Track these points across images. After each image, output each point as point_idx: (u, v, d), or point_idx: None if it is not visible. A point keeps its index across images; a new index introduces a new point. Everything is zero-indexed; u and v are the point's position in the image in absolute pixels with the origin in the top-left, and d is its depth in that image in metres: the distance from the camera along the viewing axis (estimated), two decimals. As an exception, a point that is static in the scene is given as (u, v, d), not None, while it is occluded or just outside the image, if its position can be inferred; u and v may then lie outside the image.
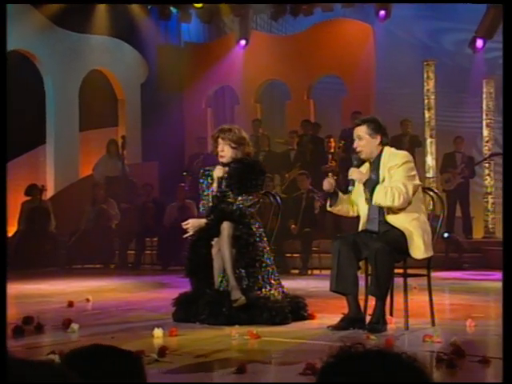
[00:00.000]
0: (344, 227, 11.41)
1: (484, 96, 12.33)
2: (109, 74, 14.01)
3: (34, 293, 7.43)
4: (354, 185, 4.83)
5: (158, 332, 4.59)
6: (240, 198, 5.27)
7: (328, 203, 4.98)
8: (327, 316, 5.36)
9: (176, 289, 7.83)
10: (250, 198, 5.27)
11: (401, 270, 4.83)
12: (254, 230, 5.27)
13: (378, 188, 4.68)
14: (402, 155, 4.84)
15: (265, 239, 5.36)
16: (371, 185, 4.73)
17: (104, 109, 13.81)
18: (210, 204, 5.34)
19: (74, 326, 4.91)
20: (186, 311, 5.18)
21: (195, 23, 14.59)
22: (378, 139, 4.84)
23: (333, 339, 4.44)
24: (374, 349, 1.43)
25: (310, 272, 9.43)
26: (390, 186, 4.66)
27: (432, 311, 4.91)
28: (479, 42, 12.54)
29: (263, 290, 5.18)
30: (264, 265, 5.24)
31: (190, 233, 5.31)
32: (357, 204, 4.95)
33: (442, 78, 12.48)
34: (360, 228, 4.97)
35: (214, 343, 4.40)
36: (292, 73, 13.50)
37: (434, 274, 4.95)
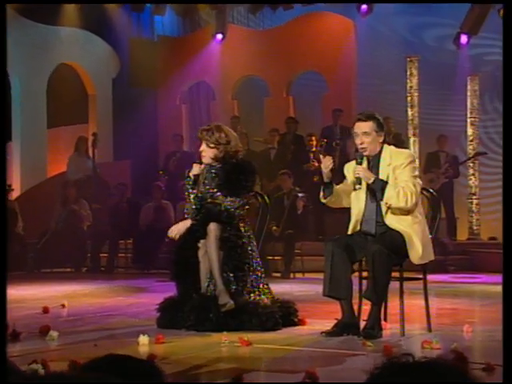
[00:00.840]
0: (327, 228, 11.45)
1: (468, 94, 12.43)
2: (79, 69, 13.88)
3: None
4: (360, 183, 4.80)
5: (143, 339, 4.53)
6: (228, 199, 5.23)
7: (322, 194, 4.93)
8: (318, 321, 5.35)
9: (155, 293, 7.83)
10: (239, 199, 5.24)
11: (396, 274, 4.82)
12: (243, 231, 5.24)
13: (390, 188, 4.67)
14: (407, 154, 4.85)
15: (254, 242, 5.33)
16: (380, 184, 4.71)
17: (74, 105, 13.68)
18: (193, 206, 5.30)
19: (53, 333, 4.83)
20: (172, 317, 5.13)
21: (169, 16, 14.52)
22: (382, 136, 4.84)
23: (327, 346, 4.42)
24: (424, 360, 1.39)
25: (292, 275, 9.41)
26: (402, 186, 4.66)
27: (428, 317, 4.91)
28: (463, 38, 12.63)
29: (252, 294, 5.15)
30: (252, 269, 5.21)
31: (176, 238, 5.27)
32: (349, 202, 4.93)
33: (426, 75, 12.55)
34: (351, 229, 4.93)
35: (203, 350, 4.35)
36: (271, 68, 13.48)
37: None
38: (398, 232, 4.70)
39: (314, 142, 11.42)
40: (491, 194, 13.13)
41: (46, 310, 6.15)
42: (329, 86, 13.35)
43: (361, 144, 4.83)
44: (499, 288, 8.16)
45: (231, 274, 5.10)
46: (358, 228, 4.89)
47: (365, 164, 4.85)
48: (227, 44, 13.84)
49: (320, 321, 5.40)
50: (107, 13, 13.74)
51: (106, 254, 10.84)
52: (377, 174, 4.79)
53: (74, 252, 10.88)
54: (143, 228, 10.68)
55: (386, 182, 4.72)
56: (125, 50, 14.22)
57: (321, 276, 9.47)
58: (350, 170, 4.92)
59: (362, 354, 4.18)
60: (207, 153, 5.30)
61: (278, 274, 9.41)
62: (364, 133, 4.81)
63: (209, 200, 5.27)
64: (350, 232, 4.97)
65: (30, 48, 12.96)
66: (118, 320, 5.67)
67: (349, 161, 12.04)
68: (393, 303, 4.97)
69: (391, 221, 4.73)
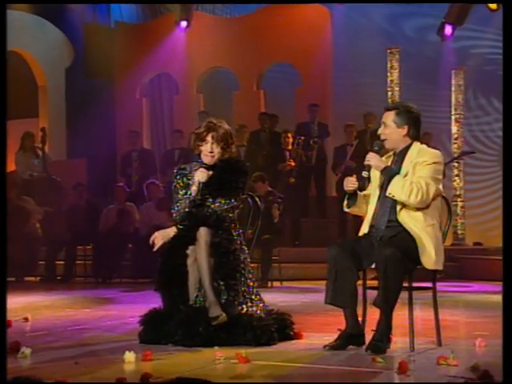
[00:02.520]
0: (303, 233, 11.44)
1: (453, 89, 12.52)
2: (28, 57, 13.66)
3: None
4: (369, 171, 4.78)
5: (129, 356, 4.41)
6: (217, 202, 5.14)
7: (345, 203, 4.91)
8: (314, 334, 5.29)
9: (123, 305, 7.73)
10: (228, 201, 5.15)
11: (405, 283, 4.78)
12: (235, 236, 5.16)
13: (397, 179, 4.65)
14: (433, 154, 4.79)
15: (245, 249, 5.25)
16: (390, 174, 4.69)
17: (22, 97, 13.43)
18: (187, 209, 5.19)
19: (26, 350, 4.67)
20: (157, 331, 5.01)
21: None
22: (405, 130, 4.77)
23: (334, 362, 4.35)
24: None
25: (270, 284, 9.35)
26: (410, 181, 4.64)
27: (438, 330, 4.88)
28: (448, 29, 12.74)
29: (244, 306, 5.06)
30: (244, 278, 5.13)
31: (158, 245, 5.15)
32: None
33: (407, 68, 12.59)
34: (362, 230, 4.90)
35: (197, 368, 4.25)
36: (240, 60, 13.42)
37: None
38: (409, 235, 4.66)
39: (291, 140, 11.38)
40: (476, 196, 13.25)
41: (8, 324, 5.97)
42: (303, 80, 13.36)
43: (380, 134, 4.85)
44: (495, 298, 8.26)
45: (222, 283, 5.00)
46: (367, 229, 4.84)
47: (390, 158, 4.84)
48: (192, 32, 13.75)
49: (316, 334, 5.35)
50: (60, -4, 13.55)
51: (62, 262, 10.66)
52: (399, 169, 4.75)
53: (26, 259, 10.62)
54: (104, 233, 10.52)
55: (397, 173, 4.69)
56: (79, 37, 14.08)
57: (300, 284, 9.58)
58: (377, 175, 4.89)
59: (374, 371, 4.12)
60: (216, 154, 5.18)
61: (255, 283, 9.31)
62: (384, 123, 4.81)
63: (197, 203, 5.17)
64: (360, 233, 4.93)
65: (-25, 34, 12.68)
66: (93, 335, 5.52)
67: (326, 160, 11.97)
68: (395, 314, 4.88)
69: (404, 218, 4.70)
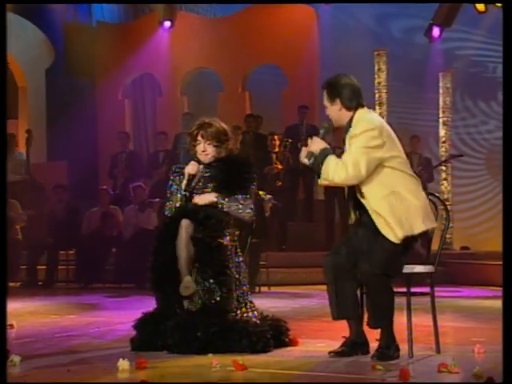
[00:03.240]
0: (290, 237, 11.43)
1: (441, 91, 12.55)
2: (8, 57, 13.52)
3: None
4: (310, 158, 4.65)
5: (123, 364, 4.36)
6: (234, 204, 5.12)
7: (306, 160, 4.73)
8: (309, 341, 5.27)
9: (110, 311, 7.68)
10: (248, 200, 5.15)
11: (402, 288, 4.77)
12: (228, 238, 5.13)
13: (328, 161, 4.55)
14: (364, 123, 4.60)
15: (239, 253, 5.22)
16: (322, 156, 4.58)
17: (1, 98, 13.32)
18: (178, 204, 5.18)
19: (15, 357, 4.61)
20: (152, 332, 4.97)
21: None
22: (338, 105, 4.66)
23: (333, 369, 4.33)
24: None
25: (257, 289, 9.32)
26: (338, 160, 4.56)
27: (437, 336, 4.88)
28: (436, 31, 12.78)
29: (239, 311, 5.04)
30: (239, 283, 5.11)
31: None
32: None
33: (395, 70, 12.62)
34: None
35: (194, 376, 4.23)
36: (225, 61, 13.40)
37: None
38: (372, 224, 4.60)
39: (277, 142, 11.37)
40: (463, 199, 13.30)
41: (-6, 331, 5.91)
42: (289, 81, 13.35)
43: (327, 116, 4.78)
44: (487, 303, 8.30)
45: (212, 281, 4.96)
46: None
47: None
48: (176, 32, 13.71)
49: (311, 340, 5.34)
50: (40, -5, 13.46)
51: (43, 267, 10.58)
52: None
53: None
54: (87, 236, 10.46)
55: (331, 154, 4.57)
56: (60, 36, 14.00)
57: (288, 289, 9.58)
58: None
59: (374, 379, 4.11)
60: (210, 152, 5.19)
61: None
62: (324, 105, 4.75)
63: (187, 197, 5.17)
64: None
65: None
66: (82, 342, 5.47)
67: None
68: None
69: (362, 195, 4.63)
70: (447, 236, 12.15)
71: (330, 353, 4.66)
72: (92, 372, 4.34)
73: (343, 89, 4.66)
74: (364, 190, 4.61)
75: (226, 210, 5.11)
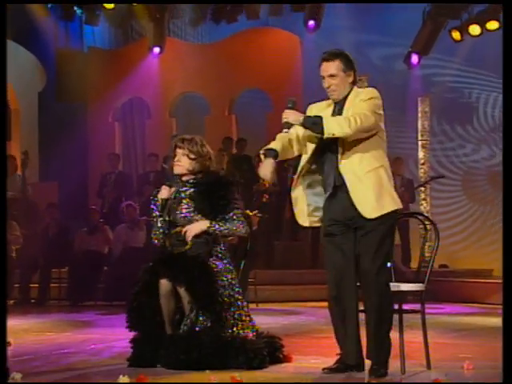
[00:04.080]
0: (276, 255, 11.39)
1: (419, 115, 12.59)
2: (-1, 80, 13.44)
3: None
4: (289, 128, 4.51)
5: (124, 380, 4.30)
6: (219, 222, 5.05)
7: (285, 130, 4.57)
8: (303, 357, 5.22)
9: (103, 328, 7.59)
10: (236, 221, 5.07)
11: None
12: (221, 256, 5.07)
13: (327, 119, 4.38)
14: (369, 91, 4.54)
15: (232, 269, 5.14)
16: (313, 119, 4.42)
17: (-5, 120, 13.23)
18: (161, 230, 5.14)
19: (16, 375, 4.55)
20: (149, 353, 4.90)
21: (101, 26, 14.24)
22: (352, 77, 4.55)
23: (328, 385, 4.29)
24: None
25: (246, 306, 9.23)
26: (340, 117, 4.42)
27: (427, 352, 4.84)
28: (414, 58, 12.84)
29: (235, 328, 4.97)
30: (233, 299, 5.04)
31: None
32: (300, 149, 4.66)
33: (375, 95, 12.63)
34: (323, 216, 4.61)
35: (193, 393, 4.17)
36: (211, 85, 13.39)
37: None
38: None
39: (266, 182, 11.36)
40: (441, 219, 13.29)
41: (-8, 348, 5.81)
42: (273, 105, 13.34)
43: (328, 88, 4.55)
44: (468, 319, 8.28)
45: (201, 312, 4.90)
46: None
47: (330, 108, 4.61)
48: (165, 58, 13.68)
49: (304, 356, 5.28)
50: (32, 21, 13.38)
51: (36, 285, 10.45)
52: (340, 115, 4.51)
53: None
54: (79, 255, 10.37)
55: (319, 117, 4.41)
56: (51, 61, 13.92)
57: (276, 306, 9.51)
58: (315, 110, 4.63)
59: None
60: (185, 164, 5.08)
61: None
62: (330, 75, 4.51)
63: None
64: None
65: None
66: (80, 359, 5.39)
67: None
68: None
69: (345, 167, 4.45)
70: (427, 255, 12.27)
71: (324, 369, 4.57)
72: (93, 389, 4.27)
73: (354, 63, 4.58)
74: (355, 156, 4.44)
75: (220, 234, 5.05)
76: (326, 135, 4.37)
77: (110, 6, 12.80)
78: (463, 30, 12.18)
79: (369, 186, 4.42)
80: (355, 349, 4.56)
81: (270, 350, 4.97)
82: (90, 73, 14.04)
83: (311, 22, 12.84)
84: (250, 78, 13.39)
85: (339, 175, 4.50)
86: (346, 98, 4.55)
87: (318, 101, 4.80)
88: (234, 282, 5.11)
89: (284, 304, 9.83)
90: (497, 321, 8.09)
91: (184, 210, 5.13)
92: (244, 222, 5.14)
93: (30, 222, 11.08)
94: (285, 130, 4.53)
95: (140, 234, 10.39)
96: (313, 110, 4.67)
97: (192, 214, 5.11)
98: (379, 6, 12.78)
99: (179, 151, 5.11)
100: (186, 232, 5.03)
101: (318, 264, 11.35)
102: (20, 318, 8.59)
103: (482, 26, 11.97)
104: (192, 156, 5.09)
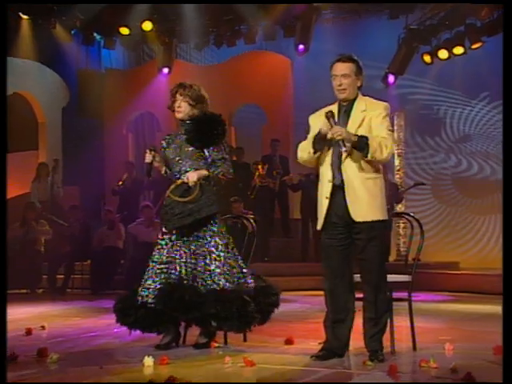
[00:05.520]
0: (272, 250, 11.33)
1: (396, 128, 12.59)
2: (30, 98, 13.39)
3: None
4: (345, 145, 4.22)
5: (148, 360, 4.25)
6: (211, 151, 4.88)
7: (311, 150, 4.38)
8: (302, 340, 5.18)
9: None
10: (217, 149, 4.88)
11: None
12: (216, 229, 4.87)
13: (372, 141, 4.21)
14: (384, 105, 4.40)
15: (223, 233, 4.91)
16: (364, 140, 4.21)
17: (25, 132, 13.17)
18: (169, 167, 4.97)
19: (54, 355, 4.48)
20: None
21: (116, 49, 14.19)
22: (360, 81, 4.45)
23: (329, 365, 4.24)
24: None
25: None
26: (380, 139, 4.25)
27: (413, 336, 4.82)
28: (391, 78, 12.82)
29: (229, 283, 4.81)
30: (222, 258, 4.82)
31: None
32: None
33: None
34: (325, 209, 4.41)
35: (211, 371, 4.12)
36: (214, 101, 12.86)
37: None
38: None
39: (260, 168, 11.40)
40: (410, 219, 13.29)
41: (29, 332, 5.75)
42: (267, 118, 13.33)
43: (339, 86, 4.40)
44: (442, 306, 8.25)
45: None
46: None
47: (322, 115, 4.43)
48: (173, 78, 13.58)
49: (304, 340, 5.22)
50: (58, 45, 13.31)
51: (61, 276, 10.38)
52: (347, 120, 4.36)
53: (30, 273, 10.33)
54: (98, 250, 10.30)
55: (367, 137, 4.23)
56: (74, 80, 13.85)
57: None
58: (318, 121, 4.47)
59: (366, 373, 4.03)
60: (186, 109, 4.89)
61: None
62: (343, 75, 4.40)
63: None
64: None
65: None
66: (106, 341, 5.33)
67: (288, 187, 11.82)
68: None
69: (346, 169, 4.30)
70: (403, 249, 12.26)
71: (311, 356, 4.41)
72: (121, 368, 4.21)
73: (363, 71, 4.49)
74: (359, 161, 4.28)
75: (220, 176, 4.85)
76: (369, 156, 4.23)
77: (126, 31, 12.73)
78: (433, 54, 12.19)
79: (364, 192, 4.31)
80: (347, 338, 4.48)
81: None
82: (107, 90, 14.01)
83: (301, 46, 12.79)
84: (247, 95, 13.37)
85: (340, 175, 4.35)
86: (353, 102, 4.43)
87: (308, 114, 4.75)
88: (230, 247, 4.93)
89: (279, 293, 9.76)
90: (467, 307, 8.11)
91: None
92: (230, 164, 4.96)
93: (57, 221, 11.02)
94: (344, 149, 4.23)
95: (154, 232, 10.31)
96: (316, 119, 4.54)
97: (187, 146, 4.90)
98: (361, 32, 12.80)
99: (179, 97, 4.91)
100: (188, 180, 4.79)
101: (307, 258, 11.33)
102: (49, 304, 8.56)
103: (450, 50, 12.00)
104: (192, 102, 4.91)
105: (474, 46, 11.65)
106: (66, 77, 13.66)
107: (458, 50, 11.92)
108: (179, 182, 4.86)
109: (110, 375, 3.97)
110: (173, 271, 4.82)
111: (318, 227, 4.47)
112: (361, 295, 4.46)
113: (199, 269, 4.78)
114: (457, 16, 11.65)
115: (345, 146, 4.23)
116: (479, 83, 12.51)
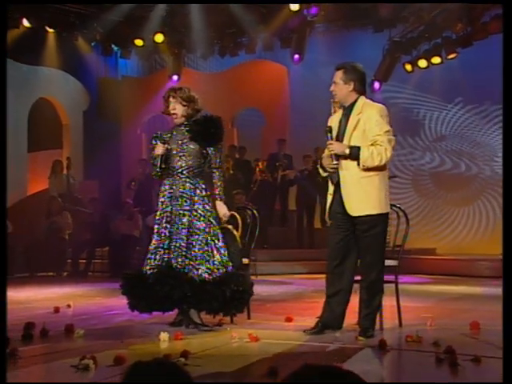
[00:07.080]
0: (270, 238, 11.31)
1: (380, 129, 12.56)
2: (55, 102, 13.34)
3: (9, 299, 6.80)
4: (338, 159, 4.19)
5: (164, 336, 4.23)
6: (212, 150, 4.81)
7: (321, 171, 4.38)
8: (300, 318, 5.16)
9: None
10: (216, 152, 4.81)
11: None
12: (203, 211, 4.74)
13: (363, 151, 4.13)
14: (379, 108, 4.29)
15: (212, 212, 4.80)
16: (356, 152, 4.15)
17: (50, 132, 13.14)
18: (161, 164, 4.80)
19: (80, 331, 4.48)
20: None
21: (132, 59, 14.14)
22: (352, 86, 4.30)
23: (325, 340, 4.23)
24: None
25: (248, 277, 9.16)
26: (374, 145, 4.14)
27: (399, 313, 4.81)
28: (376, 84, 12.78)
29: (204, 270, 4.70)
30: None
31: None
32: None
33: (346, 114, 12.59)
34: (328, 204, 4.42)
35: (219, 346, 4.10)
36: (218, 105, 13.21)
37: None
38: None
39: (260, 164, 11.39)
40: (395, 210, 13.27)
41: (56, 310, 5.74)
42: (266, 121, 13.29)
43: (331, 91, 4.39)
44: (424, 287, 8.23)
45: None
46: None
47: (337, 116, 4.43)
48: (182, 84, 13.40)
49: (301, 317, 5.21)
50: (79, 56, 13.25)
51: (84, 260, 10.36)
52: (346, 122, 4.30)
53: (56, 258, 10.33)
54: (116, 238, 10.27)
55: (359, 148, 4.15)
56: (94, 87, 13.80)
57: (270, 278, 9.43)
58: (335, 119, 4.42)
59: (360, 348, 4.02)
60: (180, 111, 4.81)
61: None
62: (333, 82, 4.37)
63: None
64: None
65: (15, 84, 12.33)
66: (126, 319, 5.32)
67: (289, 182, 11.76)
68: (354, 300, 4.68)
69: (345, 165, 4.22)
70: (388, 237, 12.23)
71: (305, 331, 4.39)
72: (140, 342, 4.20)
73: (359, 74, 4.35)
74: (354, 166, 4.21)
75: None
76: (360, 166, 4.17)
77: (140, 43, 12.66)
78: (414, 63, 12.18)
79: (359, 189, 4.24)
80: (341, 311, 4.45)
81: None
82: (123, 96, 13.96)
83: (296, 56, 12.73)
84: (248, 99, 13.33)
85: (337, 176, 4.34)
86: (353, 104, 4.33)
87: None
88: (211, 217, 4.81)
89: (277, 276, 9.77)
90: (444, 288, 8.10)
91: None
92: (222, 173, 4.90)
93: (76, 211, 10.98)
94: (334, 162, 4.18)
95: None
96: (333, 120, 4.50)
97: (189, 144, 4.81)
98: (349, 44, 12.75)
99: (172, 100, 4.84)
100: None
101: (302, 245, 11.32)
102: (73, 286, 8.53)
103: (428, 60, 11.98)
104: (184, 103, 4.83)
105: (449, 57, 11.64)
106: (86, 83, 13.61)
107: (436, 60, 11.92)
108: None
109: (130, 349, 3.96)
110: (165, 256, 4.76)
111: (326, 218, 4.51)
112: (358, 278, 4.44)
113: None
114: (435, 30, 11.63)
115: (337, 160, 4.20)
116: (454, 89, 12.51)
